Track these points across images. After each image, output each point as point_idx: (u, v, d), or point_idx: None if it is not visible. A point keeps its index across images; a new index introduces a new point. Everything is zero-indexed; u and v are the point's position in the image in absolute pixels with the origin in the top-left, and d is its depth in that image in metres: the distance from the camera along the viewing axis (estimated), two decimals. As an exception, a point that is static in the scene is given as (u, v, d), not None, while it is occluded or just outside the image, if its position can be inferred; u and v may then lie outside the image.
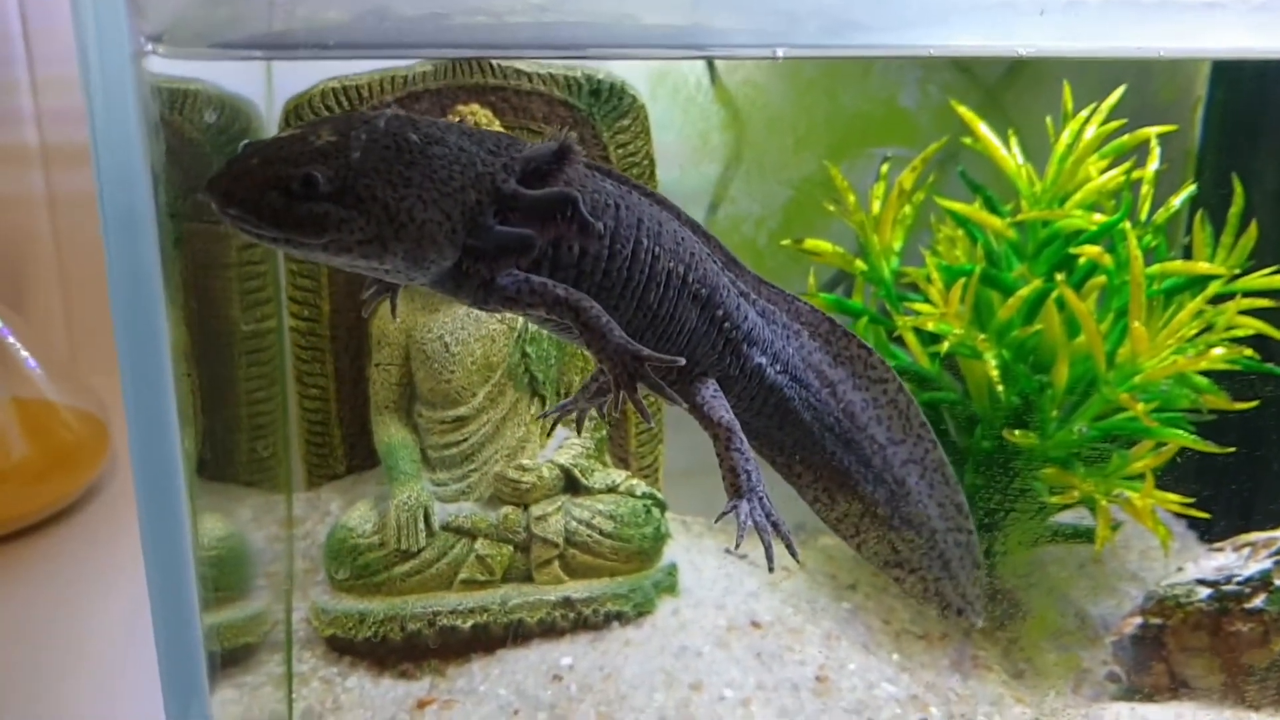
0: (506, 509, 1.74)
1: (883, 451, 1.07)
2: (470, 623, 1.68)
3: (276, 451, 1.75)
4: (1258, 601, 1.59)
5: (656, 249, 0.94)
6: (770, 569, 0.97)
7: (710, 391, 0.97)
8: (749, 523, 0.96)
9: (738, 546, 0.99)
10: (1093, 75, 1.83)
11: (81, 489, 1.99)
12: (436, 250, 0.86)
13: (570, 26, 1.28)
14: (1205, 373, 1.74)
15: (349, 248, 0.85)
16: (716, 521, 0.99)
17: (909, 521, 1.08)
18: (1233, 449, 1.66)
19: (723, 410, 0.97)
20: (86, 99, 1.03)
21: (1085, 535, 1.77)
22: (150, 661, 1.18)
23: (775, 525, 0.97)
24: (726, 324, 0.98)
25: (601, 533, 1.75)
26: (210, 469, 1.73)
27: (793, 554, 0.97)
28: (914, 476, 1.08)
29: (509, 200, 0.88)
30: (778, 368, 1.03)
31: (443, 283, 0.91)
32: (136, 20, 1.04)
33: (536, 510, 1.74)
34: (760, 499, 0.97)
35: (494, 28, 1.26)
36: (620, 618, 1.73)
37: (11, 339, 1.97)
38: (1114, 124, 1.71)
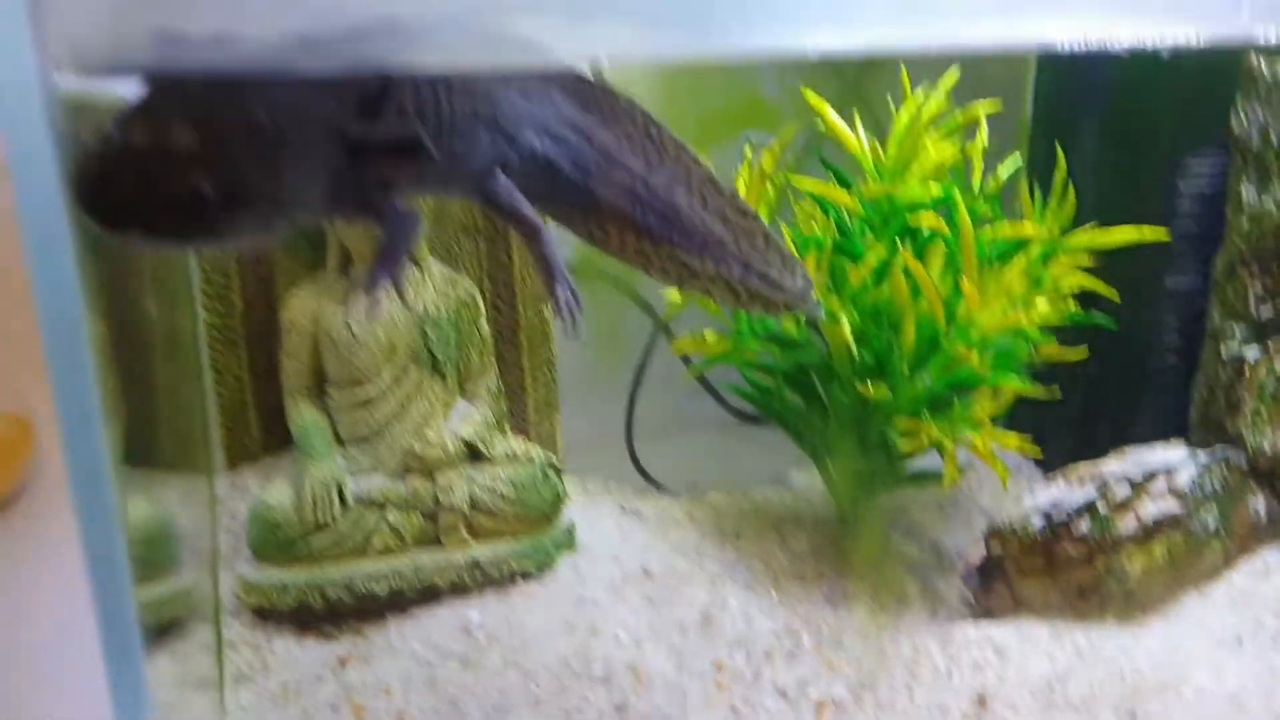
0: (414, 480, 1.89)
1: (643, 178, 1.20)
2: (386, 587, 1.83)
3: (196, 439, 1.88)
4: (1083, 527, 1.80)
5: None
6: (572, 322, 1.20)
7: (506, 190, 1.13)
8: (568, 296, 1.19)
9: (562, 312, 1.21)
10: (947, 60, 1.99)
11: (8, 489, 2.08)
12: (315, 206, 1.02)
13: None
14: (1054, 330, 1.95)
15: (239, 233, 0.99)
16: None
17: (688, 235, 1.21)
18: (1058, 390, 1.87)
19: (527, 209, 1.15)
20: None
21: (939, 478, 1.97)
22: (88, 647, 1.30)
23: (574, 293, 1.20)
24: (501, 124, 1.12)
25: (503, 498, 1.91)
26: (136, 457, 1.86)
27: (577, 304, 1.21)
28: (680, 195, 1.21)
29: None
30: (546, 140, 1.17)
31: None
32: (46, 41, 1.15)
33: (442, 480, 1.90)
34: (567, 279, 1.20)
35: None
36: (524, 574, 1.89)
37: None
38: (940, 102, 1.87)
